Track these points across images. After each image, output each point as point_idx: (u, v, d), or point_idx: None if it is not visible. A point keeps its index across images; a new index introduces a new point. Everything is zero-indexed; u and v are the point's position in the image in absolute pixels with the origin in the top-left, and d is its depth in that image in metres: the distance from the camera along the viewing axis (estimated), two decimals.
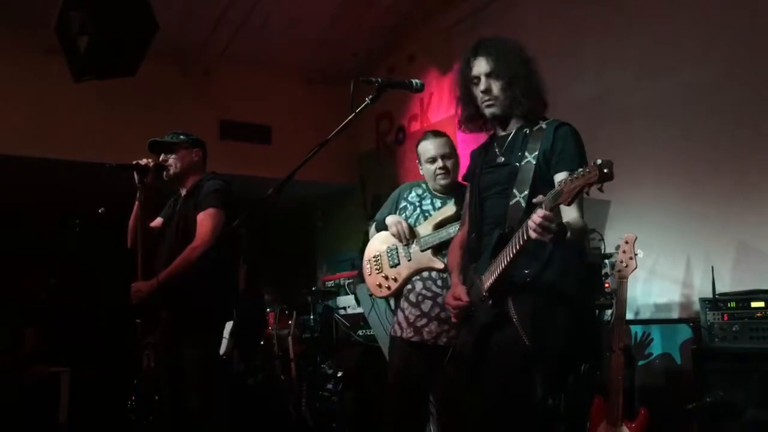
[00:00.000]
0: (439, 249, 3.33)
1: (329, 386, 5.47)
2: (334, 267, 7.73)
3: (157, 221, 3.76)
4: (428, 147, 3.45)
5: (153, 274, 3.41)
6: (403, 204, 3.58)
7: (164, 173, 3.60)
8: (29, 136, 6.09)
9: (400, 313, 3.43)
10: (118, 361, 5.38)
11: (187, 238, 3.44)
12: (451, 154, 3.45)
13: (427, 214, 3.46)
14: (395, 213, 3.60)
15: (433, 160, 3.43)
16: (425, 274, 3.37)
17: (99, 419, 5.48)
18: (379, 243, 3.62)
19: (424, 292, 3.34)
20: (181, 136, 3.68)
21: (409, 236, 3.44)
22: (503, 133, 2.62)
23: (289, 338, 5.66)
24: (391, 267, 3.50)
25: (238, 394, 5.25)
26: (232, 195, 3.58)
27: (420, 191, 3.57)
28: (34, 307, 7.34)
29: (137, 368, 5.08)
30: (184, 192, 3.67)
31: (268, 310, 6.10)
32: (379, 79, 2.59)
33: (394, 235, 3.49)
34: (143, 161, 3.52)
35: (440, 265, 3.30)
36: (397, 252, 3.49)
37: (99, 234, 4.12)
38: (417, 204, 3.52)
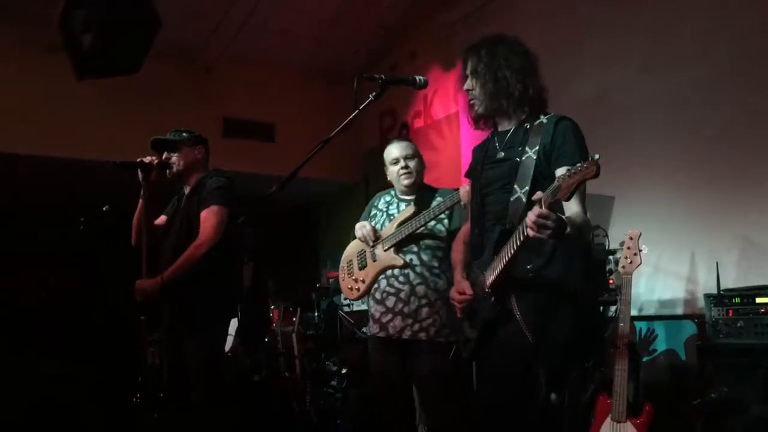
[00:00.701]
0: (400, 246, 3.41)
1: (333, 383, 5.48)
2: (337, 264, 7.70)
3: (161, 219, 3.76)
4: (391, 150, 3.57)
5: (157, 272, 3.42)
6: (374, 212, 3.68)
7: (167, 171, 3.61)
8: (32, 134, 6.09)
9: (370, 312, 3.54)
10: (123, 358, 5.39)
11: (191, 235, 3.44)
12: (413, 155, 3.55)
13: (392, 218, 3.54)
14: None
15: (396, 162, 3.54)
16: (389, 272, 3.43)
17: (105, 416, 5.49)
18: (351, 250, 3.71)
19: (387, 288, 3.41)
20: (184, 134, 3.69)
21: (374, 238, 3.51)
22: (503, 129, 2.62)
23: (293, 335, 5.66)
24: (360, 269, 3.58)
25: (243, 390, 5.26)
26: (236, 192, 3.58)
27: (388, 198, 3.68)
28: (36, 306, 7.36)
29: (142, 365, 5.10)
30: (187, 189, 3.68)
31: (272, 306, 6.11)
32: (383, 76, 2.59)
33: (360, 239, 3.58)
34: (147, 159, 3.53)
35: (400, 262, 3.38)
36: (365, 255, 3.57)
37: (103, 232, 4.13)
38: (384, 210, 3.62)
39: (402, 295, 3.35)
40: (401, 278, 3.38)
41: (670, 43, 4.32)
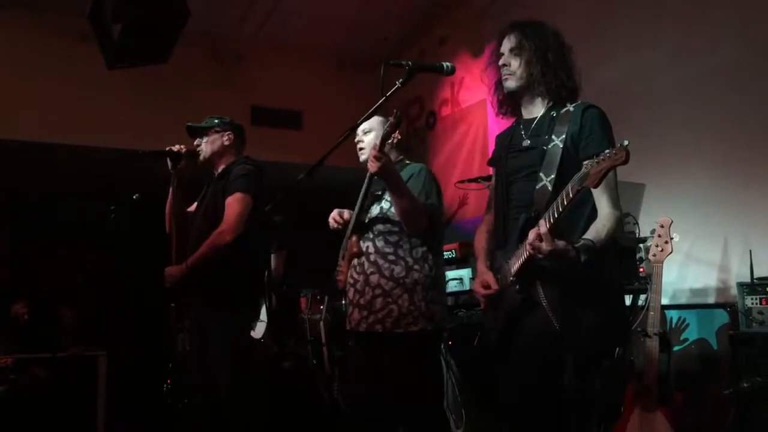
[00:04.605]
0: (361, 233, 3.21)
1: None
2: None
3: (193, 206, 3.79)
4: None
5: (186, 258, 3.45)
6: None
7: (197, 158, 3.65)
8: (63, 123, 6.19)
9: None
10: (154, 344, 5.45)
11: (215, 221, 3.44)
12: (370, 129, 3.26)
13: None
14: None
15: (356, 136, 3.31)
16: (355, 261, 3.23)
17: (135, 402, 5.57)
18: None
19: (349, 279, 3.24)
20: (215, 120, 3.70)
21: (345, 224, 3.33)
22: (529, 117, 2.58)
23: (321, 323, 5.69)
24: (342, 259, 3.37)
25: (271, 377, 5.29)
26: (263, 179, 3.58)
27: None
28: (71, 292, 7.47)
29: (173, 351, 5.15)
30: (216, 176, 3.70)
31: (300, 294, 6.14)
32: (410, 62, 2.58)
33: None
34: (176, 147, 3.56)
35: (355, 250, 3.19)
36: (344, 244, 3.37)
37: (134, 220, 4.18)
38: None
39: (358, 286, 3.16)
40: (358, 268, 3.18)
41: (704, 24, 4.24)
